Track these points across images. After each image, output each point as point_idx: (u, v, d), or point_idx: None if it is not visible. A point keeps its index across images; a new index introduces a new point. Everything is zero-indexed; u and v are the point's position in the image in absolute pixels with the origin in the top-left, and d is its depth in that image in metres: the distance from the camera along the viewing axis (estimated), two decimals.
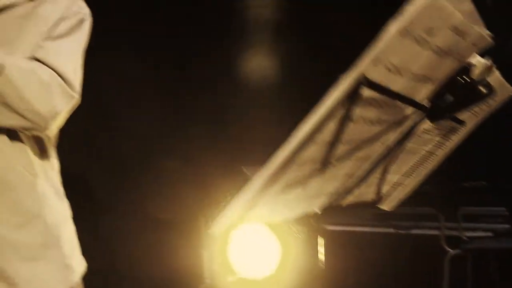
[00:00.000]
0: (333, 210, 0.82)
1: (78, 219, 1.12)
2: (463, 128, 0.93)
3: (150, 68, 2.81)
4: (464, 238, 2.63)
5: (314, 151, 0.58)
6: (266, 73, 3.28)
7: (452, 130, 0.94)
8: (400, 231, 2.37)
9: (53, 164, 1.08)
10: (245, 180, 0.58)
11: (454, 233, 2.60)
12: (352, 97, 0.53)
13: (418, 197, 2.60)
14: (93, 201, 2.55)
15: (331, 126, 0.56)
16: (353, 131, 0.60)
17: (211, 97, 3.09)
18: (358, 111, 0.56)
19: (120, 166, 2.66)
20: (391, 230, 2.39)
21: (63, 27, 1.03)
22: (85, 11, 1.09)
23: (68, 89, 0.98)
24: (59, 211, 1.05)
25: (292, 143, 0.54)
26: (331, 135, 0.58)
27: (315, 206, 0.80)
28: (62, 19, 1.03)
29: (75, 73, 1.02)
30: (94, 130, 2.59)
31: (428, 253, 2.46)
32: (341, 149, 0.62)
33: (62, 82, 0.97)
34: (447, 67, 0.64)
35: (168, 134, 2.88)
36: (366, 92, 0.54)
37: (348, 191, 0.84)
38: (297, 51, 2.95)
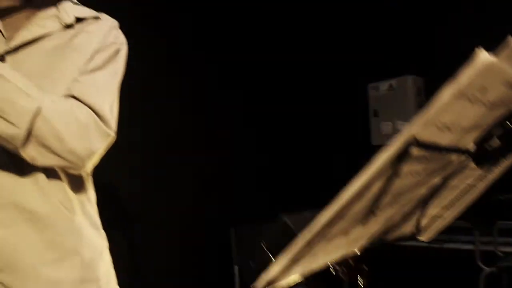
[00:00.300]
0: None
1: (109, 228, 1.12)
2: (506, 162, 0.91)
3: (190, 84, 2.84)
4: (500, 253, 2.56)
5: (359, 206, 0.57)
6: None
7: (495, 164, 0.92)
8: (433, 245, 2.32)
9: (90, 196, 1.07)
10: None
11: (489, 247, 2.53)
12: (401, 157, 0.52)
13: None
14: (124, 211, 2.58)
15: (379, 184, 0.55)
16: (399, 184, 0.59)
17: None
18: (406, 168, 0.55)
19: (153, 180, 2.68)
20: (424, 244, 2.34)
21: (99, 59, 1.01)
22: (121, 40, 1.08)
23: (105, 127, 0.97)
24: (96, 245, 1.04)
25: (339, 201, 0.54)
26: (377, 190, 0.57)
27: (355, 248, 0.79)
28: (98, 51, 1.02)
29: (111, 110, 1.01)
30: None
31: (462, 268, 2.40)
32: (386, 200, 0.61)
33: (99, 120, 0.96)
34: (496, 115, 0.62)
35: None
36: (415, 151, 0.53)
37: (388, 231, 0.82)
38: None
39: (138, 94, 2.34)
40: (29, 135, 0.88)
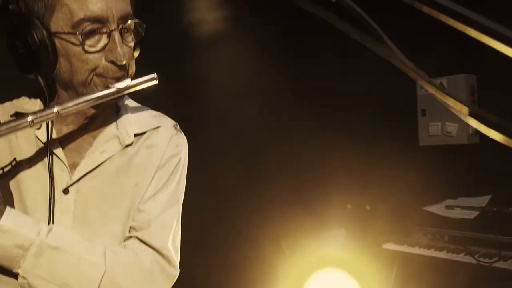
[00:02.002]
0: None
1: None
2: None
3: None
4: None
5: None
6: None
7: None
8: (482, 262, 2.15)
9: None
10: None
11: None
12: None
13: (504, 223, 2.35)
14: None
15: None
16: None
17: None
18: None
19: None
20: (473, 261, 2.17)
21: (161, 179, 1.01)
22: (180, 146, 1.06)
23: (169, 268, 0.99)
24: None
25: None
26: None
27: None
28: (159, 167, 1.02)
29: (174, 245, 1.01)
30: None
31: None
32: None
33: (164, 262, 0.98)
34: None
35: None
36: None
37: None
38: None
39: None
40: None
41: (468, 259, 2.24)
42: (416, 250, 2.45)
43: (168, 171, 1.03)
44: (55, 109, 0.87)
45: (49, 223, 0.92)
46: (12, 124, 0.85)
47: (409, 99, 3.19)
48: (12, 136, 0.97)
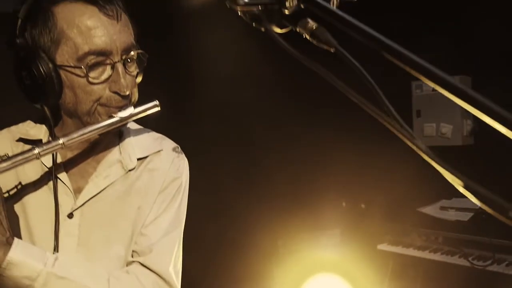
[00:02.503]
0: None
1: None
2: None
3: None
4: None
5: None
6: None
7: None
8: (476, 265, 2.13)
9: None
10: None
11: None
12: None
13: (498, 226, 2.34)
14: None
15: None
16: None
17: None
18: None
19: None
20: (467, 263, 2.16)
21: (162, 203, 1.04)
22: (181, 169, 1.09)
23: None
24: None
25: None
26: None
27: None
28: (161, 191, 1.04)
29: (175, 269, 1.04)
30: None
31: None
32: None
33: (165, 285, 1.00)
34: None
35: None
36: None
37: None
38: None
39: None
40: None
41: (462, 261, 2.24)
42: (411, 252, 2.45)
43: (170, 195, 1.05)
44: (61, 141, 0.90)
45: (54, 248, 0.95)
46: (20, 157, 0.87)
47: (405, 99, 3.18)
48: None
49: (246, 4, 0.53)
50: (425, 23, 3.06)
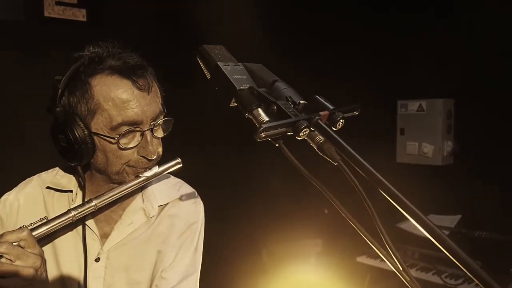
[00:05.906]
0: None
1: None
2: None
3: None
4: None
5: None
6: None
7: None
8: (448, 284, 2.19)
9: None
10: None
11: None
12: None
13: (472, 245, 2.41)
14: None
15: None
16: None
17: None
18: None
19: None
20: (440, 281, 2.22)
21: (181, 248, 1.12)
22: (199, 214, 1.17)
23: None
24: None
25: None
26: None
27: None
28: (180, 235, 1.12)
29: None
30: None
31: None
32: None
33: None
34: None
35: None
36: None
37: None
38: None
39: None
40: None
41: (435, 278, 2.30)
42: (387, 266, 2.49)
43: (188, 240, 1.13)
44: (93, 203, 1.00)
45: None
46: (57, 221, 0.98)
47: (390, 116, 3.26)
48: (48, 200, 1.10)
49: (266, 136, 0.62)
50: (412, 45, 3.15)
